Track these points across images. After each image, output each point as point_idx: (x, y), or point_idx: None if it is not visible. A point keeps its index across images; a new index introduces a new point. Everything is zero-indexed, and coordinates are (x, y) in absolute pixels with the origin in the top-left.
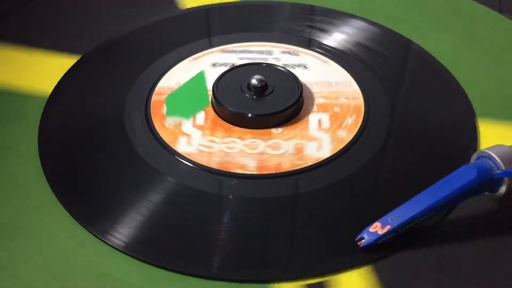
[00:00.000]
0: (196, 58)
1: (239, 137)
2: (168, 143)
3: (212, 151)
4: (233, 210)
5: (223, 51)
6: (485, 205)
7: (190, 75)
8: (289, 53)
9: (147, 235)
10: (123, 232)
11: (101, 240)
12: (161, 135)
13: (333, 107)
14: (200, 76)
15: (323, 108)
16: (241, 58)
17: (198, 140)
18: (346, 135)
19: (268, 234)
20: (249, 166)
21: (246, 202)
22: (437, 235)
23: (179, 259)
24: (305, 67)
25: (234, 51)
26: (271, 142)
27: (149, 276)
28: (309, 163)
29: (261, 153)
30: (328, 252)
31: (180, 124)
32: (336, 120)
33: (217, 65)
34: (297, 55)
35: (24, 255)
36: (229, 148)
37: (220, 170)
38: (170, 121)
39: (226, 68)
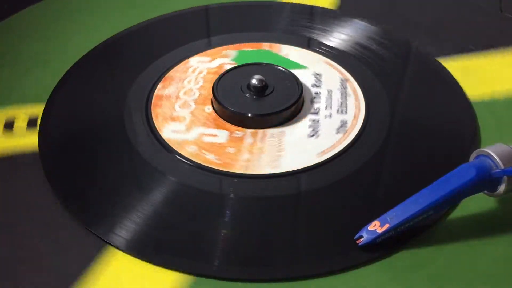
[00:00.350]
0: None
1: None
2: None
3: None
4: (233, 209)
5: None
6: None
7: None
8: None
9: (147, 235)
10: (123, 232)
11: (102, 240)
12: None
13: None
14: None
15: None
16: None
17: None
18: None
19: (268, 234)
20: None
21: (247, 202)
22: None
23: (179, 259)
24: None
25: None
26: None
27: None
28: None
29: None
30: (329, 252)
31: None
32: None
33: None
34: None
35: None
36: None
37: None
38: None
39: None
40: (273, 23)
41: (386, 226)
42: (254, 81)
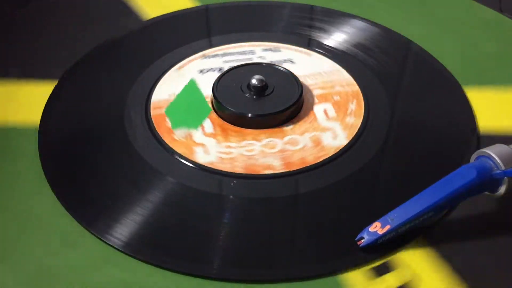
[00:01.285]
0: (181, 67)
1: (254, 139)
2: (184, 155)
3: (232, 156)
4: (232, 209)
5: (205, 56)
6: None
7: (179, 85)
8: (271, 50)
9: (147, 235)
10: (123, 232)
11: (101, 240)
12: (174, 148)
13: (332, 96)
14: (192, 85)
15: (323, 98)
16: (226, 61)
17: (214, 148)
18: (355, 121)
19: (269, 234)
20: (275, 165)
21: (245, 202)
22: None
23: (179, 259)
24: (292, 61)
25: (216, 55)
26: (287, 138)
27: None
28: (332, 152)
29: (260, 153)
30: (329, 251)
31: (190, 135)
32: (340, 108)
33: (204, 71)
34: (279, 51)
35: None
36: (248, 151)
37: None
38: (179, 133)
39: (214, 73)
40: (273, 23)
41: (387, 227)
42: (254, 81)
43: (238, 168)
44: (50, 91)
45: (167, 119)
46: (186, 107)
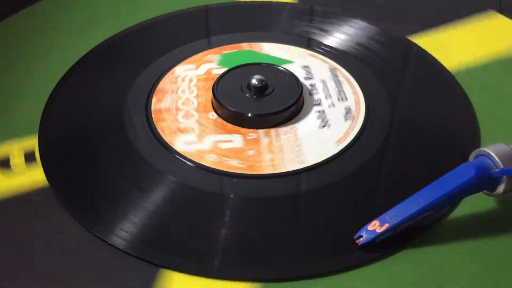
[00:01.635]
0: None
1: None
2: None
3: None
4: (233, 209)
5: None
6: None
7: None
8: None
9: (148, 235)
10: (123, 232)
11: (102, 240)
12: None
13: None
14: None
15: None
16: None
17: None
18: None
19: (268, 234)
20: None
21: (246, 202)
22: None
23: (180, 258)
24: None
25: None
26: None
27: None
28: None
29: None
30: (329, 252)
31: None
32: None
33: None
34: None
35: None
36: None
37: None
38: None
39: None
40: (273, 23)
41: (386, 225)
42: (254, 81)
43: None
44: (50, 91)
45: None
46: None
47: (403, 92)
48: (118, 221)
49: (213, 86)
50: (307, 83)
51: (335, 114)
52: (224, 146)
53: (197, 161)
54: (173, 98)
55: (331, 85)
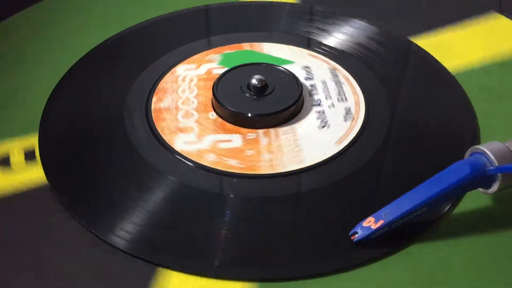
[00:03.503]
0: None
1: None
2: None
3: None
4: (232, 209)
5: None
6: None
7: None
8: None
9: (147, 234)
10: (123, 231)
11: (102, 240)
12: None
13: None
14: None
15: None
16: None
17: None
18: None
19: (268, 234)
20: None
21: (245, 201)
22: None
23: (179, 258)
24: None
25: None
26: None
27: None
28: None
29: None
30: (328, 251)
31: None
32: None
33: None
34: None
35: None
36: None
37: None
38: None
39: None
40: (273, 23)
41: (381, 222)
42: (254, 81)
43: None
44: (50, 92)
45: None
46: None
47: (403, 93)
48: (118, 220)
49: (213, 86)
50: (307, 83)
51: (335, 114)
52: (224, 146)
53: (196, 160)
54: (173, 97)
55: (331, 85)
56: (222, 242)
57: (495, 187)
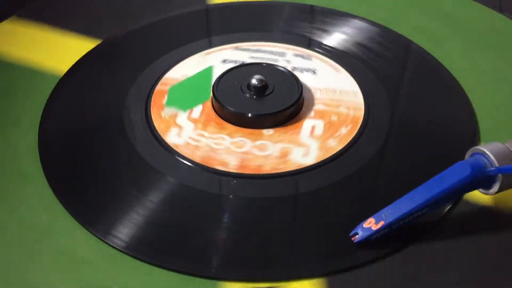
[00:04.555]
0: (208, 53)
1: (229, 135)
2: (159, 131)
3: (198, 145)
4: (232, 209)
5: (237, 48)
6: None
7: (199, 69)
8: (302, 56)
9: (147, 235)
10: (123, 232)
11: (101, 240)
12: (155, 124)
13: (331, 115)
14: (208, 71)
15: (321, 115)
16: (253, 57)
17: (188, 133)
18: (335, 145)
19: (268, 234)
20: (231, 164)
21: (245, 202)
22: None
23: (179, 259)
24: (314, 72)
25: (248, 50)
26: (258, 143)
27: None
28: (290, 168)
29: (246, 153)
30: (329, 252)
31: (175, 116)
32: (330, 128)
33: (227, 61)
34: (309, 59)
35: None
36: (216, 144)
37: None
38: (167, 111)
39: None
40: (273, 23)
41: (381, 223)
42: (254, 81)
43: (197, 157)
44: (50, 92)
45: (166, 96)
46: (189, 90)
47: (403, 92)
48: (117, 221)
49: (213, 86)
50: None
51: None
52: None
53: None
54: None
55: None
56: (221, 243)
57: (495, 188)
